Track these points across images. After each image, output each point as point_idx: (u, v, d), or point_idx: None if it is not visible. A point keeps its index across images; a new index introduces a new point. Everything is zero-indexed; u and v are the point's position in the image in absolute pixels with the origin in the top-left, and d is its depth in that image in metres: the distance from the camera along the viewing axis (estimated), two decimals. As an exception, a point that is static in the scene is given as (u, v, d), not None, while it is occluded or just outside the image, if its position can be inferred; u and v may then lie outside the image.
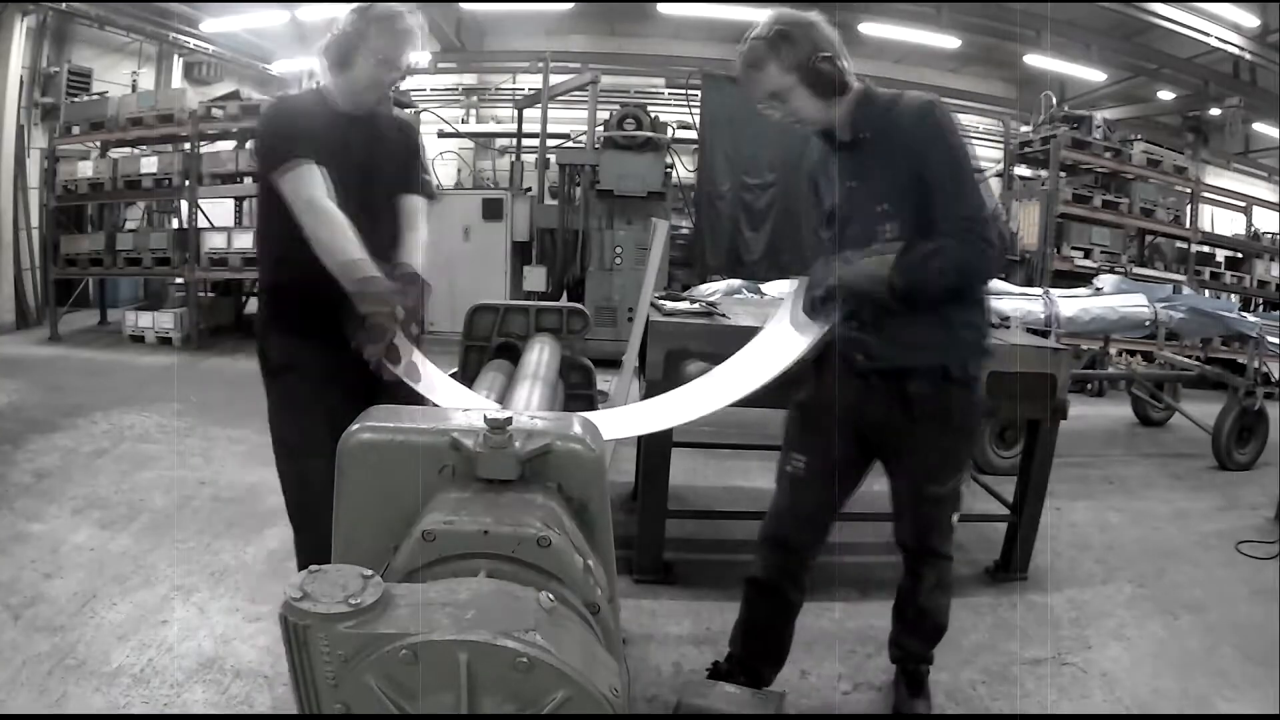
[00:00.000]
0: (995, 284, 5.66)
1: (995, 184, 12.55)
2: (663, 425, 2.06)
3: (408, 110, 8.66)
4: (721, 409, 1.93)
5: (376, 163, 2.09)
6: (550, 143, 8.53)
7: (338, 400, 1.94)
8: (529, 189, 8.72)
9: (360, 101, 2.04)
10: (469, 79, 13.32)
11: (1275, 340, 5.52)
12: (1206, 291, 8.57)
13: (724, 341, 2.37)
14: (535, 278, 7.97)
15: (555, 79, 8.66)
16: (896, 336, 2.00)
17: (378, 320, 1.83)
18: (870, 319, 1.99)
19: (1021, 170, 10.62)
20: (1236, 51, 9.38)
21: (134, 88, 9.37)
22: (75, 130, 8.20)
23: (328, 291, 1.89)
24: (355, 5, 1.99)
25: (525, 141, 9.62)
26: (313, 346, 2.02)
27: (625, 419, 1.99)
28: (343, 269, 1.84)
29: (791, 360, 2.00)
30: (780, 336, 2.10)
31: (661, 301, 3.46)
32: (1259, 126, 11.44)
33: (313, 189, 1.89)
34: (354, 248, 1.85)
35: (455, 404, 1.79)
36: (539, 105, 8.50)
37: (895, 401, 2.06)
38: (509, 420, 1.17)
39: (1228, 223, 10.88)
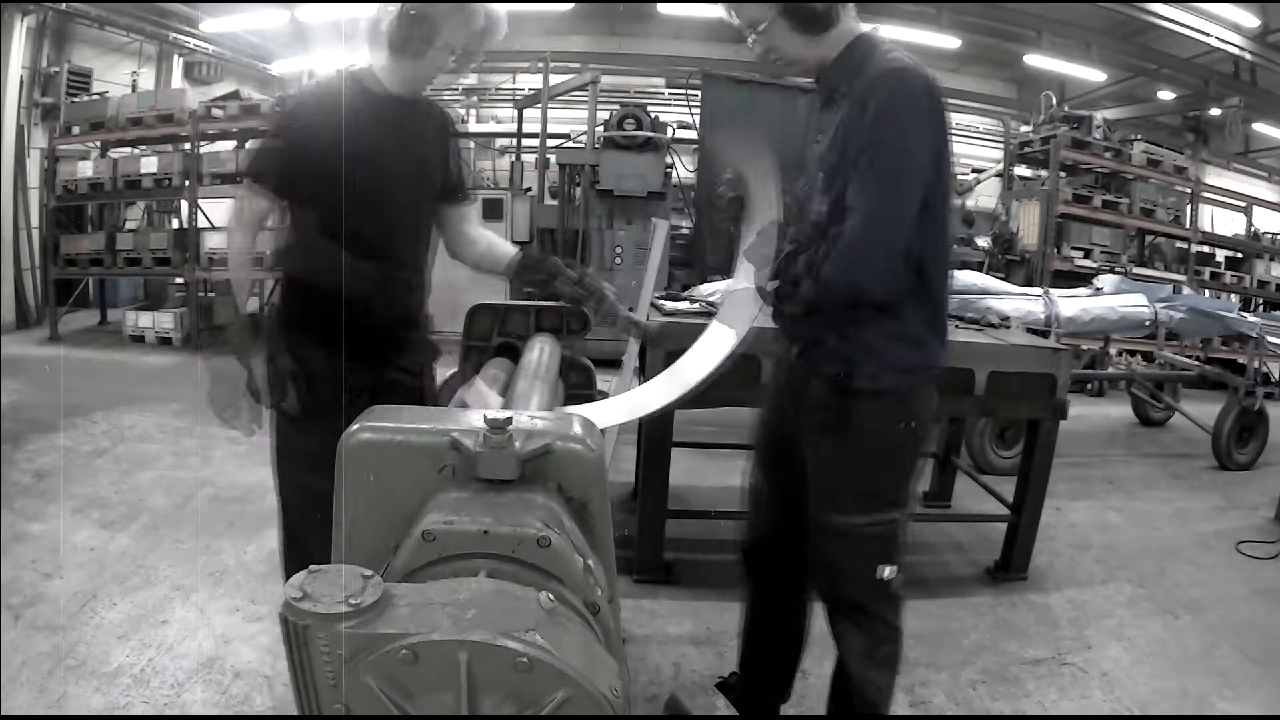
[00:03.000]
0: (993, 284, 5.66)
1: (995, 184, 12.62)
2: (636, 415, 1.98)
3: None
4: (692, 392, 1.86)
5: (420, 153, 1.98)
6: (550, 143, 8.53)
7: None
8: (529, 189, 8.71)
9: (413, 88, 1.94)
10: (469, 79, 13.31)
11: (1275, 340, 5.52)
12: (1206, 291, 8.57)
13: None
14: (535, 278, 7.96)
15: (555, 79, 8.66)
16: (808, 333, 1.82)
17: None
18: (798, 311, 1.80)
19: (1021, 170, 10.62)
20: (1236, 51, 9.38)
21: (134, 88, 9.37)
22: (75, 130, 8.20)
23: (363, 299, 1.86)
24: None
25: (525, 141, 9.62)
26: (357, 362, 1.91)
27: (610, 409, 1.94)
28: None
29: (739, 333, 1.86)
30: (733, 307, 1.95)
31: (661, 301, 3.46)
32: (1259, 126, 11.44)
33: (240, 223, 1.90)
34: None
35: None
36: (539, 105, 8.50)
37: (801, 410, 1.86)
38: (509, 420, 1.17)
39: (1228, 223, 10.88)
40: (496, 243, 2.23)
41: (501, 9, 1.90)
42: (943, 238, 1.77)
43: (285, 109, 1.97)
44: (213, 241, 7.86)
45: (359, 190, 1.82)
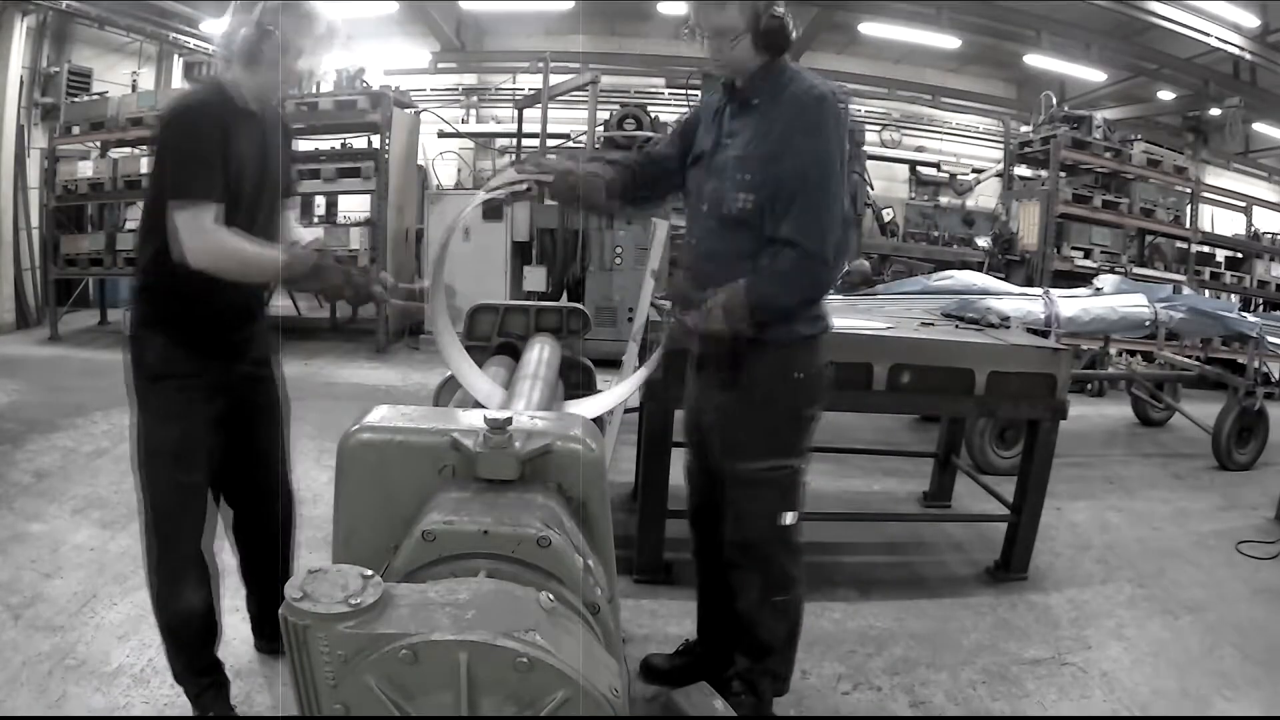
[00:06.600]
0: (993, 284, 5.68)
1: (995, 184, 12.62)
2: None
3: (408, 110, 8.67)
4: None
5: (272, 162, 2.08)
6: (550, 143, 8.53)
7: (216, 413, 2.05)
8: (529, 189, 8.70)
9: (265, 99, 2.02)
10: (469, 79, 13.30)
11: (1275, 340, 5.52)
12: (1206, 291, 8.57)
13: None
14: (535, 278, 7.97)
15: (555, 79, 8.65)
16: (699, 302, 1.97)
17: (352, 281, 1.94)
18: (693, 297, 2.00)
19: (1021, 170, 10.62)
20: (1236, 51, 9.38)
21: (134, 88, 9.36)
22: (75, 130, 8.19)
23: (216, 299, 1.94)
24: (271, 4, 1.92)
25: (525, 141, 9.61)
26: (198, 355, 2.01)
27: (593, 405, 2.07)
28: (286, 270, 1.88)
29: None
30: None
31: (661, 301, 3.46)
32: (1259, 126, 11.44)
33: (214, 232, 1.84)
34: (270, 252, 1.89)
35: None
36: (539, 105, 8.50)
37: (704, 372, 2.09)
38: (509, 420, 1.17)
39: (1228, 223, 10.88)
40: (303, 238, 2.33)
41: (338, 16, 2.00)
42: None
43: (179, 116, 1.93)
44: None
45: (237, 196, 1.92)
